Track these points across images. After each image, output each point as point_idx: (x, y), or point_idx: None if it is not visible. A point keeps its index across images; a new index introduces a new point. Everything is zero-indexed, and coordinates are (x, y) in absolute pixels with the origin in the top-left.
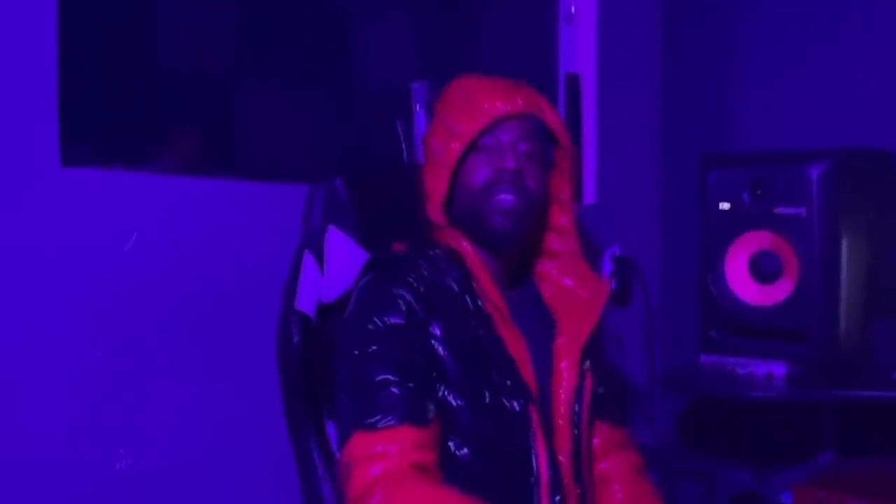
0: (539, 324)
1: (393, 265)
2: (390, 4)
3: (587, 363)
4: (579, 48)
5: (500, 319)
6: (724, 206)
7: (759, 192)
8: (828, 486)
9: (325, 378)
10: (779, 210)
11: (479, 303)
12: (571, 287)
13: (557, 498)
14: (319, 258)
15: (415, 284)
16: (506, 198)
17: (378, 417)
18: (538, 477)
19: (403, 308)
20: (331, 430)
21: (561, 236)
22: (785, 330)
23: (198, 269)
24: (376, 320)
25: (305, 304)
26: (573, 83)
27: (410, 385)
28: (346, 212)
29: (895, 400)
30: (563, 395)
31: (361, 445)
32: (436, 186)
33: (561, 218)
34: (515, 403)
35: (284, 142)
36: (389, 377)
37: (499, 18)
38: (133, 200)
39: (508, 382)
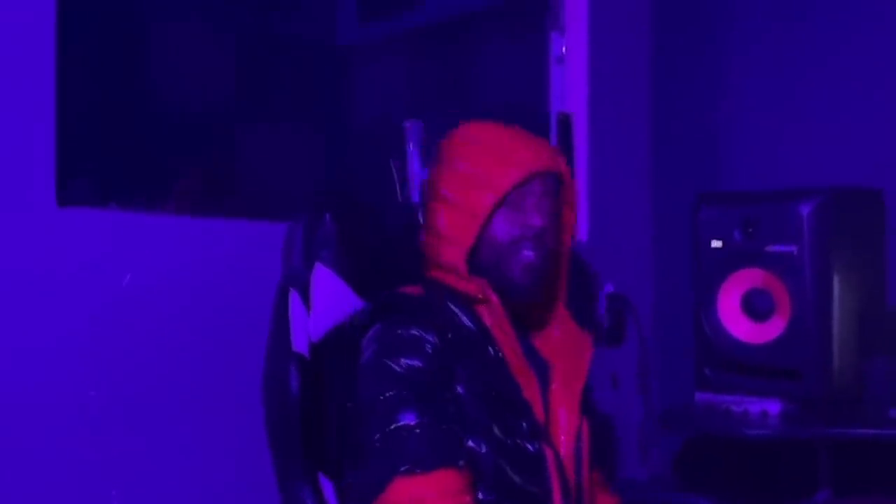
0: (539, 369)
1: (413, 307)
2: (384, 45)
3: (584, 413)
4: (570, 88)
5: (516, 364)
6: (717, 243)
7: (750, 230)
8: None
9: (320, 425)
10: (770, 248)
11: (497, 349)
12: (559, 337)
13: None
14: (305, 296)
15: (433, 330)
16: (528, 254)
17: (415, 462)
18: None
19: (429, 350)
20: (325, 484)
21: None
22: (779, 367)
23: (195, 309)
24: (400, 365)
25: (300, 344)
26: (565, 123)
27: (439, 428)
28: (333, 249)
29: (891, 438)
30: (563, 439)
31: (402, 490)
32: (461, 234)
33: (562, 269)
34: (530, 446)
35: (282, 181)
36: (419, 420)
37: (491, 59)
38: (129, 240)
39: (524, 425)
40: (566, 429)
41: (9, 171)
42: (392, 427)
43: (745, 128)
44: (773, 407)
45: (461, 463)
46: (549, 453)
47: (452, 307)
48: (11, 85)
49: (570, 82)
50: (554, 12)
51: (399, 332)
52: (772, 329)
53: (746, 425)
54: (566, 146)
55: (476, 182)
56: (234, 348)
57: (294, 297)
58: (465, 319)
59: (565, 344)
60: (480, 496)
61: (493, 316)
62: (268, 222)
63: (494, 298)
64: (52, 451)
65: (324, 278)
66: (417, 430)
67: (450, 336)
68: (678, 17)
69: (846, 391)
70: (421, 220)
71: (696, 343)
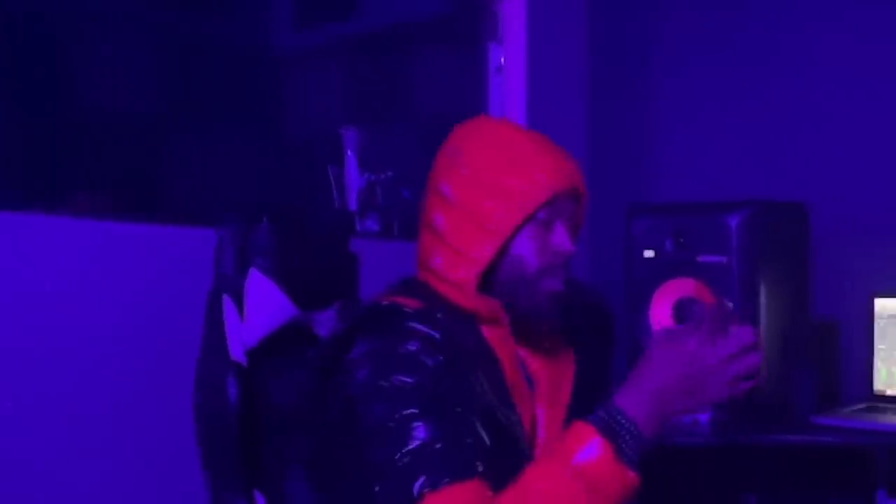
0: (529, 388)
1: (408, 320)
2: (321, 52)
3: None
4: (509, 98)
5: (514, 383)
6: (649, 253)
7: (681, 240)
8: None
9: (255, 436)
10: (701, 258)
11: (499, 369)
12: (546, 351)
13: None
14: (239, 303)
15: (439, 342)
16: (557, 283)
17: (438, 477)
18: None
19: (430, 364)
20: (259, 499)
21: None
22: None
23: (119, 314)
24: (405, 380)
25: (237, 352)
26: None
27: (457, 438)
28: (269, 255)
29: (813, 444)
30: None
31: None
32: (477, 250)
33: None
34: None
35: (213, 187)
36: (435, 435)
37: (430, 68)
38: (54, 244)
39: (524, 452)
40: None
41: None
42: (408, 447)
43: (677, 141)
44: (703, 416)
45: (481, 470)
46: None
47: (449, 321)
48: None
49: (509, 93)
50: (492, 23)
51: (398, 348)
52: None
53: (676, 433)
54: None
55: (495, 193)
56: (159, 353)
57: (228, 304)
58: (466, 336)
59: (551, 360)
60: None
61: (499, 336)
62: (197, 228)
63: (504, 318)
64: None
65: (259, 284)
66: (436, 445)
67: (451, 353)
68: (613, 32)
69: (772, 400)
70: (360, 229)
71: (628, 351)
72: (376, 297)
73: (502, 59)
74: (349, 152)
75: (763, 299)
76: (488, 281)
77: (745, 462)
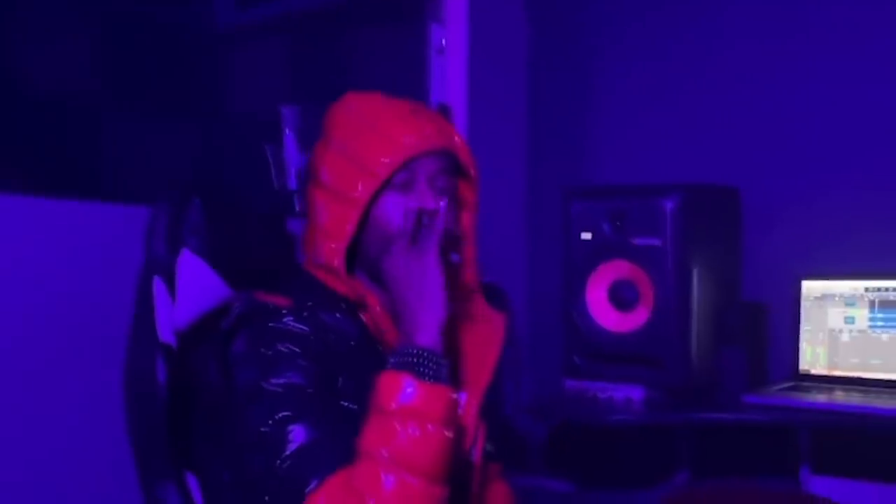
0: None
1: (280, 319)
2: (262, 29)
3: (483, 413)
4: (450, 79)
5: None
6: (586, 236)
7: (618, 223)
8: None
9: (186, 418)
10: (636, 241)
11: (381, 351)
12: (469, 327)
13: None
14: (170, 284)
15: (305, 347)
16: None
17: (319, 477)
18: None
19: (303, 364)
20: (190, 480)
21: (462, 271)
22: (642, 356)
23: (54, 292)
24: (280, 383)
25: (166, 334)
26: (443, 113)
27: (335, 433)
28: (202, 235)
29: (742, 422)
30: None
31: (329, 496)
32: (339, 227)
33: (466, 251)
34: None
35: (150, 165)
36: (313, 436)
37: (372, 47)
38: None
39: None
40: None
41: None
42: (288, 452)
43: (615, 125)
44: (637, 393)
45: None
46: None
47: (324, 315)
48: None
49: (450, 74)
50: (434, 4)
51: (268, 350)
52: (636, 319)
53: (611, 411)
54: None
55: (355, 167)
56: (86, 338)
57: (158, 285)
58: (343, 325)
59: (476, 333)
60: None
61: (379, 321)
62: (134, 206)
63: (372, 300)
64: None
65: (190, 265)
66: (314, 446)
67: (323, 347)
68: (554, 16)
69: (703, 378)
70: (299, 209)
71: (565, 332)
72: (257, 293)
73: (443, 41)
74: (288, 131)
75: (696, 281)
76: (364, 260)
77: (677, 440)
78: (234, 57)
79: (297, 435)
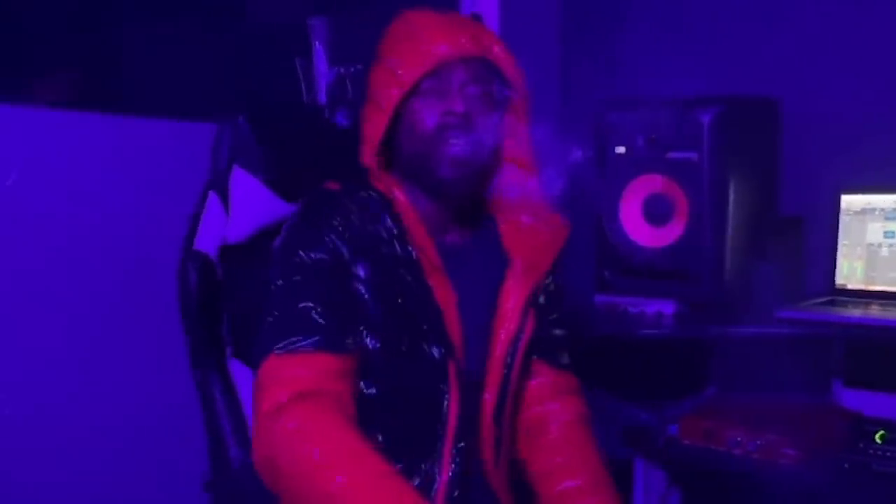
0: (487, 267)
1: (321, 203)
2: None
3: (532, 304)
4: None
5: (429, 268)
6: (620, 150)
7: (653, 136)
8: (710, 417)
9: (227, 318)
10: (671, 154)
11: (410, 249)
12: (530, 225)
13: (461, 445)
14: (224, 198)
15: (340, 226)
16: (455, 145)
17: (293, 341)
18: (445, 425)
19: (330, 246)
20: (235, 368)
21: (518, 171)
22: (674, 271)
23: (84, 206)
24: (301, 254)
25: (205, 244)
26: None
27: (330, 315)
28: (250, 152)
29: (773, 337)
30: (502, 336)
31: (274, 368)
32: (373, 131)
33: (518, 151)
34: (435, 351)
35: (174, 78)
36: (309, 304)
37: None
38: (15, 134)
39: (429, 330)
40: (507, 326)
41: None
42: (282, 309)
43: (649, 35)
44: (668, 308)
45: (346, 349)
46: (451, 365)
47: (361, 205)
48: None
49: None
50: None
51: (303, 225)
52: (670, 234)
53: (641, 326)
54: None
55: (390, 77)
56: (124, 243)
57: (212, 199)
58: (375, 219)
59: (535, 232)
60: (362, 385)
61: (405, 215)
62: (159, 120)
63: (401, 197)
64: None
65: (241, 181)
66: (304, 314)
67: (350, 233)
68: None
69: (737, 293)
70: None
71: (597, 246)
72: None
73: None
74: (317, 44)
75: (732, 195)
76: (399, 162)
77: (708, 354)
78: None
79: (296, 301)
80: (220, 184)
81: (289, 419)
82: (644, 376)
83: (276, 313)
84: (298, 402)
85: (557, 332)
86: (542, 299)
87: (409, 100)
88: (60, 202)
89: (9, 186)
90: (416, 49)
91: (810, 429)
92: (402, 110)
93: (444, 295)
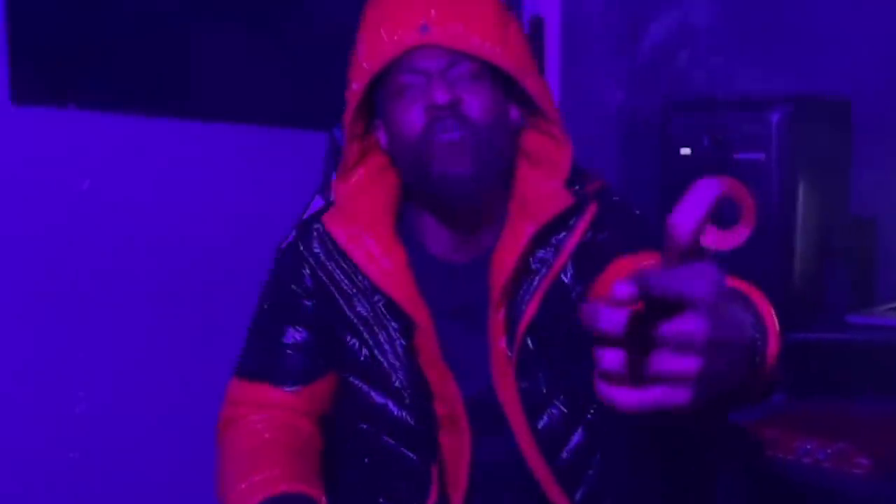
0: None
1: (301, 232)
2: None
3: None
4: None
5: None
6: (685, 151)
7: (719, 137)
8: (778, 425)
9: None
10: (738, 156)
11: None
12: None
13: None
14: (327, 201)
15: (319, 259)
16: (447, 135)
17: (244, 367)
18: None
19: (307, 276)
20: None
21: (539, 167)
22: (741, 274)
23: (154, 211)
24: (283, 279)
25: None
26: (537, 26)
27: (289, 348)
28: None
29: (845, 341)
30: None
31: (232, 388)
32: (347, 155)
33: (535, 143)
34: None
35: (239, 82)
36: (273, 333)
37: None
38: (87, 140)
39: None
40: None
41: None
42: (251, 329)
43: (716, 34)
44: None
45: (291, 386)
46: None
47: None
48: None
49: None
50: None
51: (288, 252)
52: (736, 236)
53: None
54: (538, 50)
55: (353, 73)
56: (193, 248)
57: (316, 202)
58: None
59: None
60: (364, 427)
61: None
62: (226, 124)
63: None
64: (16, 354)
65: None
66: (260, 342)
67: (327, 266)
68: None
69: (806, 297)
70: None
71: (663, 251)
72: None
73: None
74: None
75: (801, 197)
76: (403, 180)
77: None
78: None
79: (265, 323)
80: (325, 189)
81: (219, 442)
82: None
83: (249, 333)
84: (225, 428)
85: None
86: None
87: (388, 103)
88: (140, 207)
89: (82, 192)
90: (374, 36)
91: (885, 437)
92: (388, 117)
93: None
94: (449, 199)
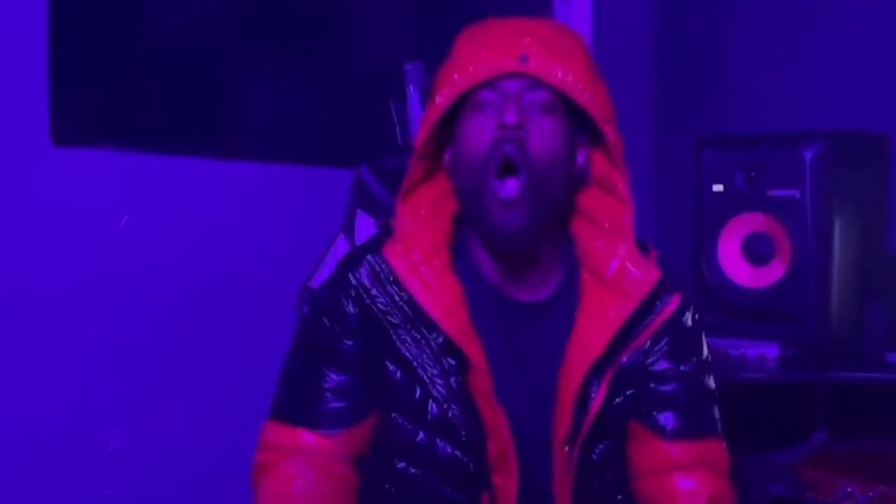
0: (559, 324)
1: (343, 269)
2: None
3: (605, 366)
4: (575, 26)
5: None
6: (718, 187)
7: (752, 174)
8: (819, 466)
9: None
10: (772, 192)
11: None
12: (614, 274)
13: None
14: (351, 240)
15: (370, 290)
16: (506, 148)
17: (279, 411)
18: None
19: (351, 311)
20: None
21: (608, 198)
22: (777, 312)
23: (190, 250)
24: (321, 319)
25: (319, 282)
26: None
27: (329, 392)
28: (371, 197)
29: (887, 381)
30: (560, 434)
31: (267, 432)
32: (412, 172)
33: (605, 172)
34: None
35: (274, 122)
36: (311, 376)
37: None
38: (125, 180)
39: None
40: (570, 392)
41: (2, 110)
42: (287, 371)
43: (749, 70)
44: (771, 351)
45: (330, 430)
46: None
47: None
48: (3, 25)
49: (574, 23)
50: None
51: (328, 290)
52: (772, 273)
53: (743, 369)
54: None
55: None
56: (229, 287)
57: (340, 241)
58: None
59: (615, 286)
60: (401, 465)
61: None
62: (261, 164)
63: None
64: (52, 392)
65: (364, 225)
66: (298, 384)
67: (370, 305)
68: None
69: (844, 335)
70: None
71: (695, 287)
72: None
73: None
74: (412, 88)
75: (837, 234)
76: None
77: (816, 399)
78: (357, 13)
79: (302, 365)
80: (348, 227)
81: (257, 487)
82: (748, 422)
83: (284, 375)
84: (263, 473)
85: (665, 388)
86: (626, 360)
87: (461, 116)
88: (165, 245)
89: (120, 231)
90: (455, 70)
91: None
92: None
93: (477, 356)
94: (500, 245)
